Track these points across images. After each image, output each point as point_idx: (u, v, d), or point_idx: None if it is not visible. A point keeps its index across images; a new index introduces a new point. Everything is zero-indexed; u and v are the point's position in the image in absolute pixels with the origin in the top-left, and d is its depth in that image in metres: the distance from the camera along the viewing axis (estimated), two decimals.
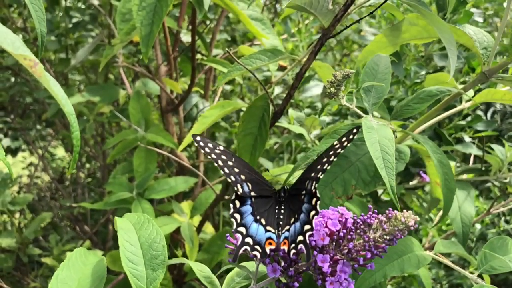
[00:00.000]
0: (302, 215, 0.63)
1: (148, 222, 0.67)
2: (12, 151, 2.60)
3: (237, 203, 0.66)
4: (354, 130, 0.65)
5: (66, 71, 1.86)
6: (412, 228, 0.61)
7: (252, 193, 0.67)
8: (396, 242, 0.62)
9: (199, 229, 1.46)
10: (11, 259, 1.73)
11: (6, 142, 2.56)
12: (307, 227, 0.61)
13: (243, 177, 0.68)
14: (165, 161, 1.74)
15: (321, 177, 0.65)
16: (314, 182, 0.64)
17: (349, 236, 0.63)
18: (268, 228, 0.65)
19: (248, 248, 0.62)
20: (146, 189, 1.42)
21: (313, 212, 0.62)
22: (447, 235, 1.53)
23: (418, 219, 0.61)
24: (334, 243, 0.64)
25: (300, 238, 0.60)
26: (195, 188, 1.67)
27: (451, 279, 1.98)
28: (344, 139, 0.65)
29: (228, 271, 0.71)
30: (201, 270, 0.69)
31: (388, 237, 0.62)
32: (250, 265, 0.70)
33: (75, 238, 2.20)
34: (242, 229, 0.64)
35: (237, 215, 0.65)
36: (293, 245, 0.61)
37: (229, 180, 0.67)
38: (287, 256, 0.63)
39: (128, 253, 0.62)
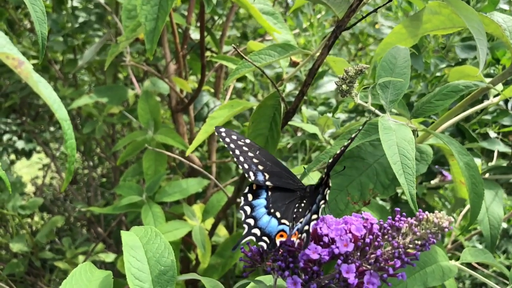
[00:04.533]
0: (314, 206, 0.60)
1: (155, 235, 0.63)
2: (26, 153, 2.60)
3: (250, 196, 0.64)
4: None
5: (73, 72, 1.83)
6: (446, 230, 0.54)
7: (268, 183, 0.65)
8: (429, 247, 0.55)
9: (211, 232, 1.41)
10: (23, 264, 1.70)
11: (21, 144, 2.56)
12: (314, 216, 0.58)
13: (261, 167, 0.66)
14: (176, 161, 1.69)
15: (334, 165, 0.63)
16: (326, 170, 0.62)
17: (376, 243, 0.56)
18: (283, 221, 0.62)
19: (254, 238, 0.59)
20: (157, 192, 1.38)
21: (322, 201, 0.59)
22: (471, 235, 1.46)
23: (453, 220, 0.54)
24: (359, 252, 0.57)
25: (306, 227, 0.57)
26: (208, 188, 1.63)
27: (475, 278, 1.90)
28: (354, 134, 0.64)
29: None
30: (213, 287, 0.64)
31: (420, 242, 0.55)
32: (268, 279, 0.65)
33: (90, 240, 2.18)
34: (250, 220, 0.62)
35: (247, 207, 0.63)
36: (299, 235, 0.58)
37: (241, 167, 0.65)
38: (307, 267, 0.58)
39: (134, 269, 0.58)
